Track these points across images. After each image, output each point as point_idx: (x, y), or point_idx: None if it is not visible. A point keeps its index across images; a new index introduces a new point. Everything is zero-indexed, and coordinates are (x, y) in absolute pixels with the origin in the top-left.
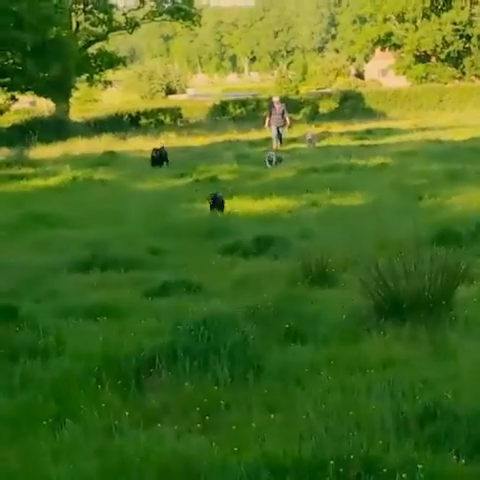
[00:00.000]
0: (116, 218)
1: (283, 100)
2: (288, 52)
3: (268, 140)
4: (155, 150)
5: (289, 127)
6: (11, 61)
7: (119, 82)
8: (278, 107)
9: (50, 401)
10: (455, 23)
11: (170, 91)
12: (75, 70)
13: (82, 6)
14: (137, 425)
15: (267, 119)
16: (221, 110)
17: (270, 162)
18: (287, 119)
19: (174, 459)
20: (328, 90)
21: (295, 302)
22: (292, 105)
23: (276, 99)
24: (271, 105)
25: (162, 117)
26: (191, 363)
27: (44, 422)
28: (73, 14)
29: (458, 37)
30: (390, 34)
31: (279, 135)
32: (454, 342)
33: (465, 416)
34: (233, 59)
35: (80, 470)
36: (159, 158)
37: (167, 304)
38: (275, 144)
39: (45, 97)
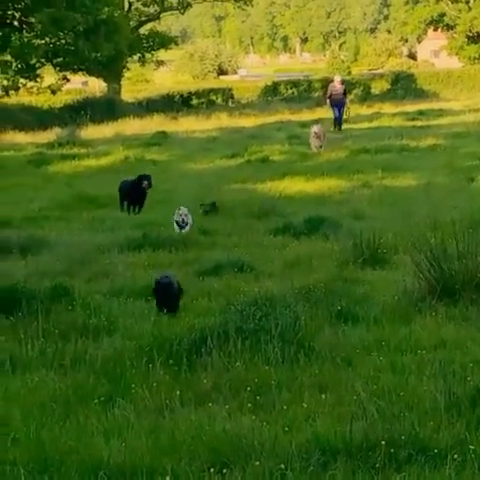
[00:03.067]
0: (168, 198)
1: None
2: (340, 33)
3: (320, 121)
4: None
5: (348, 108)
6: (63, 41)
7: (171, 62)
8: (339, 87)
9: (101, 380)
10: None
11: (222, 71)
12: (127, 50)
13: None
14: (188, 404)
15: (328, 99)
16: (273, 91)
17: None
18: (347, 100)
19: (225, 438)
20: (380, 71)
21: (346, 283)
22: None
23: (338, 79)
24: (330, 84)
25: (214, 97)
26: (242, 343)
27: (95, 401)
28: None
29: None
30: (443, 14)
31: (340, 116)
32: None
33: None
34: (285, 40)
35: (131, 448)
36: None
37: (218, 284)
38: (335, 127)
39: (97, 77)
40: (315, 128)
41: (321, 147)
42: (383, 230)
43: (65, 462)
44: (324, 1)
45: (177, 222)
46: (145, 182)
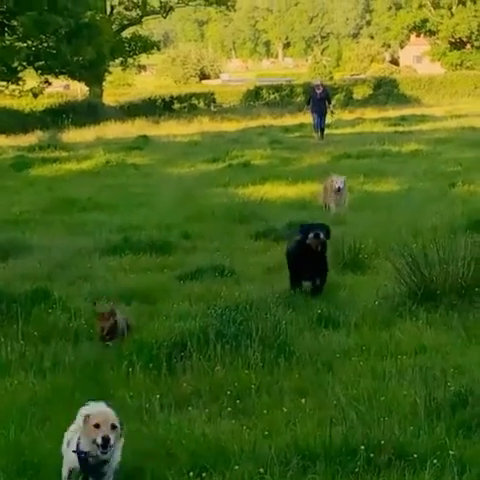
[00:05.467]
0: (149, 202)
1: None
2: (323, 38)
3: (302, 126)
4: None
5: (332, 113)
6: (45, 44)
7: (153, 66)
8: (319, 92)
9: (81, 383)
10: None
11: (204, 76)
12: (109, 54)
13: None
14: (168, 408)
15: (307, 105)
16: (255, 95)
17: None
18: (330, 106)
19: (205, 442)
20: (362, 76)
21: (327, 287)
22: None
23: (316, 82)
24: (312, 90)
25: (195, 102)
26: (222, 347)
27: (75, 404)
28: None
29: None
30: (425, 20)
31: (320, 124)
32: None
33: None
34: (267, 44)
35: None
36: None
37: (199, 288)
38: (315, 134)
39: (79, 81)
40: (338, 181)
41: (342, 207)
42: (364, 235)
43: (44, 465)
44: (307, 6)
45: None
46: (314, 236)
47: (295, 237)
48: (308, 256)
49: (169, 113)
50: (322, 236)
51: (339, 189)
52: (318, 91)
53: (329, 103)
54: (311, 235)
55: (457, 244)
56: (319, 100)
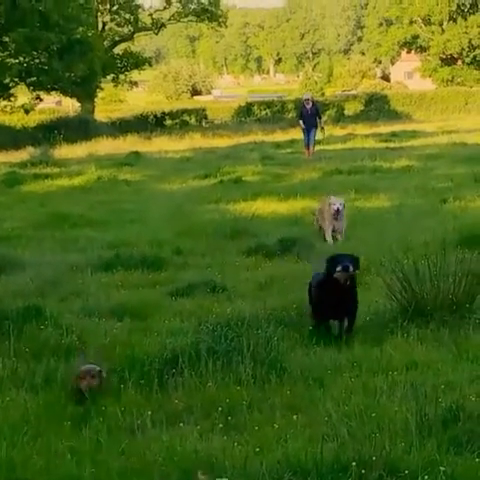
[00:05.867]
0: (140, 218)
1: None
2: (314, 54)
3: (293, 142)
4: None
5: (321, 128)
6: (37, 61)
7: (144, 83)
8: (308, 107)
9: (73, 400)
10: None
11: (195, 92)
12: (101, 70)
13: (108, 6)
14: (160, 425)
15: (300, 121)
16: (246, 111)
17: None
18: (321, 122)
19: (196, 459)
20: (353, 92)
21: None
22: None
23: (306, 97)
24: (301, 105)
25: (187, 118)
26: (214, 363)
27: (67, 421)
28: (99, 14)
29: None
30: (416, 37)
31: (309, 140)
32: (477, 344)
33: None
34: (259, 60)
35: (102, 469)
36: None
37: (191, 304)
38: (306, 151)
39: (70, 97)
40: (336, 203)
41: (340, 233)
42: (355, 251)
43: None
44: (298, 22)
45: None
46: (343, 269)
47: (319, 269)
48: (336, 292)
49: (161, 129)
50: (351, 269)
51: (338, 211)
52: (308, 106)
53: (319, 119)
54: (339, 268)
55: (448, 260)
56: (309, 116)
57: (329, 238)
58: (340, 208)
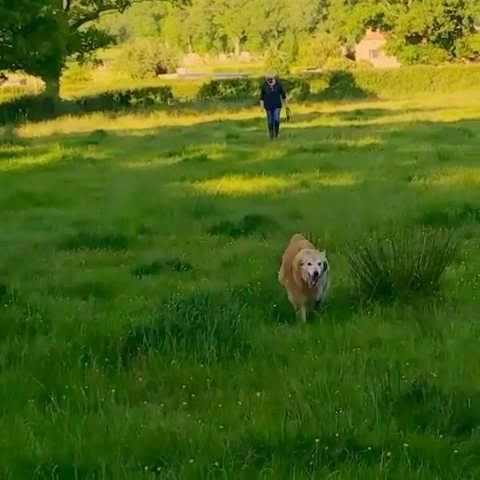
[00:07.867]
0: (105, 197)
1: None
2: (279, 32)
3: (258, 120)
4: None
5: (287, 109)
6: (1, 39)
7: (109, 61)
8: (271, 85)
9: (37, 378)
10: (446, 4)
11: (160, 70)
12: (65, 49)
13: None
14: (123, 402)
15: (261, 100)
16: (211, 90)
17: None
18: (283, 100)
19: (159, 436)
20: (319, 70)
21: None
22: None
23: (269, 75)
24: (264, 83)
25: (152, 96)
26: (178, 341)
27: (31, 400)
28: None
29: (449, 18)
30: (381, 15)
31: (274, 120)
32: (441, 322)
33: (451, 396)
34: (224, 39)
35: (66, 447)
36: None
37: (155, 283)
38: (269, 132)
39: (35, 75)
40: (313, 261)
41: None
42: (320, 229)
43: None
44: (263, 0)
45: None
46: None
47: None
48: None
49: (126, 108)
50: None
51: (316, 275)
52: (271, 84)
53: (284, 98)
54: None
55: (413, 238)
56: (272, 94)
57: (303, 316)
58: (318, 271)
